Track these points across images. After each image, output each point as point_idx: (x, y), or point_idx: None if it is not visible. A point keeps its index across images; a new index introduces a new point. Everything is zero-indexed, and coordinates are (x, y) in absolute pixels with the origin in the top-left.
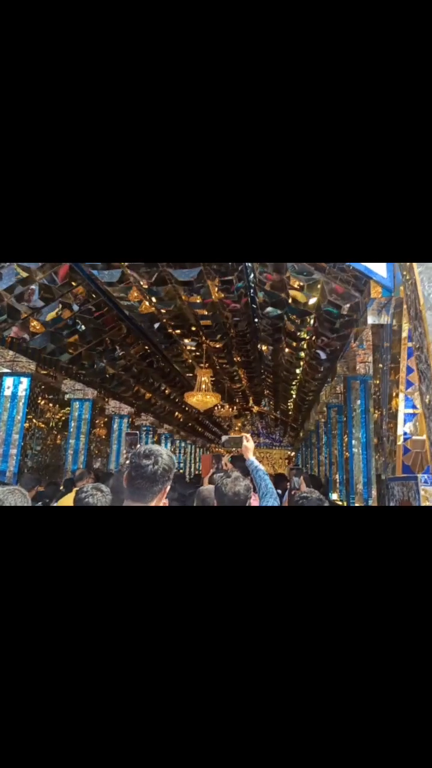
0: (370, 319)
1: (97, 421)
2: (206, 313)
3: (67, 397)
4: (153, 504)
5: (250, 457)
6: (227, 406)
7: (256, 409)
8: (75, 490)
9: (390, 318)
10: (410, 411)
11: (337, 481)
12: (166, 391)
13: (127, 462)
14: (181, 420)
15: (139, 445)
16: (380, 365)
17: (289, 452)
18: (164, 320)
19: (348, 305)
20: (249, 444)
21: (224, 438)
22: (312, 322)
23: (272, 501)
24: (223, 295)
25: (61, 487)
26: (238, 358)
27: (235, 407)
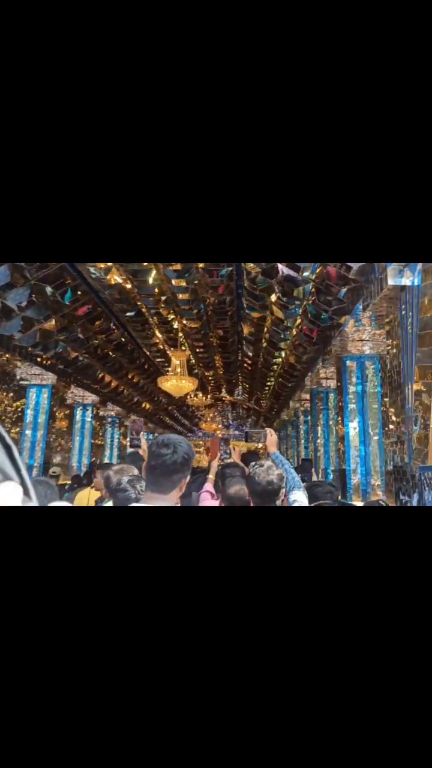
0: (391, 280)
1: (57, 412)
2: (184, 284)
3: (22, 383)
4: (173, 493)
5: (275, 450)
6: (201, 395)
7: (228, 398)
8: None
9: (416, 277)
10: None
11: (324, 471)
12: (134, 379)
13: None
14: (149, 411)
15: (142, 433)
16: (400, 336)
17: (257, 445)
18: (135, 294)
19: (358, 266)
20: (273, 437)
21: (248, 431)
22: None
23: (300, 493)
24: (203, 264)
25: (67, 481)
26: (215, 340)
27: (208, 396)
